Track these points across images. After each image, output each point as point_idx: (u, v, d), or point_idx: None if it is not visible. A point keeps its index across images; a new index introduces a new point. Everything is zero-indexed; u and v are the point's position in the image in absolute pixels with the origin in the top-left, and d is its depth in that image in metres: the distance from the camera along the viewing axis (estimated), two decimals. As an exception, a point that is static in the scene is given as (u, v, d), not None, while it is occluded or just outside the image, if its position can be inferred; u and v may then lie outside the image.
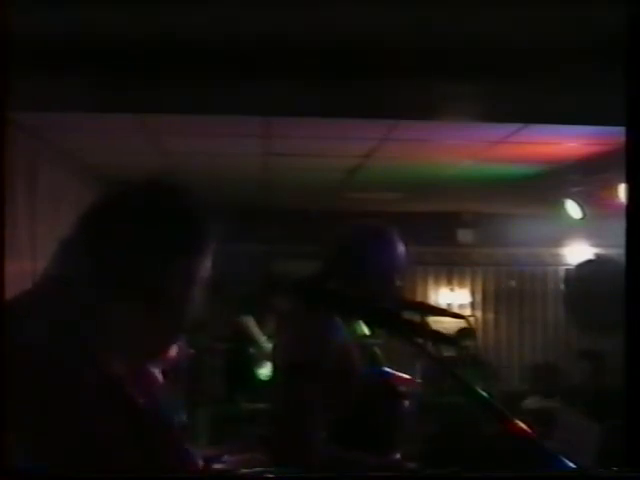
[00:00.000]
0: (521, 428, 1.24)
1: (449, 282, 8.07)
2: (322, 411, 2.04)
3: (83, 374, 1.16)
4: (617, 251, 6.37)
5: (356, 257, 2.25)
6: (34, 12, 2.00)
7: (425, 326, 2.02)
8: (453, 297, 8.01)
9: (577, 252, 7.90)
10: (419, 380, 2.55)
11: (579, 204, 5.38)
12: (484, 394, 1.31)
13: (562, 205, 5.51)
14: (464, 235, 7.87)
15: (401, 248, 2.31)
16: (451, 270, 8.05)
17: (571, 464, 1.22)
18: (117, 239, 1.28)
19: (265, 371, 5.90)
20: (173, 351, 1.48)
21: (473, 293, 8.08)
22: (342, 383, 2.10)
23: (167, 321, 1.33)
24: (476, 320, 7.81)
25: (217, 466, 2.07)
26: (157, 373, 1.39)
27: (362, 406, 2.17)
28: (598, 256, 7.72)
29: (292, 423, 2.05)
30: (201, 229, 1.35)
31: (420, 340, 1.47)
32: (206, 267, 1.36)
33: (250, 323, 6.44)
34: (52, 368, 1.15)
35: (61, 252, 1.31)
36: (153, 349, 1.34)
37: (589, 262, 7.84)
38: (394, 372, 2.36)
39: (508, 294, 8.03)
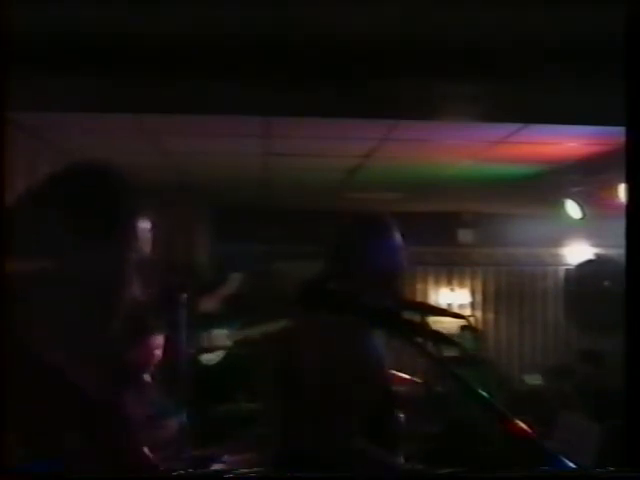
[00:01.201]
0: (521, 428, 1.24)
1: (449, 282, 8.07)
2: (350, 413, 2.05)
3: (25, 363, 1.15)
4: (617, 251, 6.37)
5: (354, 254, 2.25)
6: (34, 12, 2.00)
7: (425, 326, 2.01)
8: (453, 297, 8.01)
9: (577, 252, 7.90)
10: (419, 380, 2.55)
11: (579, 204, 5.37)
12: (484, 394, 1.31)
13: (562, 205, 5.50)
14: (464, 235, 7.87)
15: (399, 239, 2.31)
16: (451, 270, 8.05)
17: (571, 464, 1.22)
18: (47, 223, 1.26)
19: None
20: (158, 351, 1.45)
21: (473, 293, 8.08)
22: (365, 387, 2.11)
23: (104, 307, 1.29)
24: (476, 320, 7.81)
25: (217, 466, 2.07)
26: (145, 375, 1.37)
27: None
28: (598, 256, 7.72)
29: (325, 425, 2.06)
30: (124, 211, 1.33)
31: (420, 340, 1.47)
32: (139, 251, 1.32)
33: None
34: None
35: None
36: (93, 336, 1.29)
37: (589, 262, 7.84)
38: (395, 372, 2.37)
39: (508, 294, 8.03)
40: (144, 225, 1.34)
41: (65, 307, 1.24)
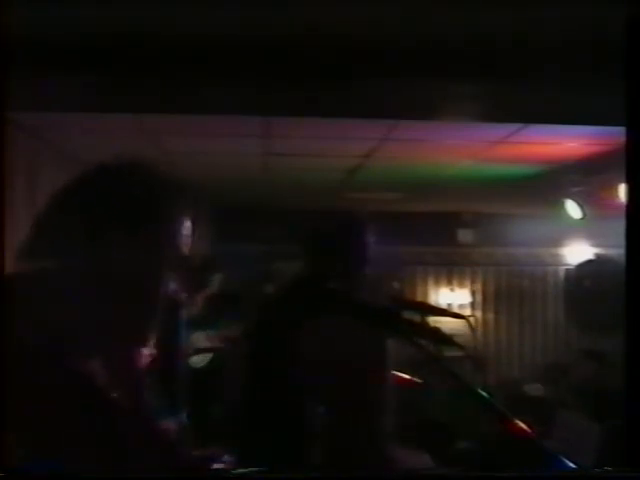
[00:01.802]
0: (521, 428, 1.24)
1: (449, 282, 8.06)
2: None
3: (51, 367, 1.14)
4: (617, 251, 6.37)
5: (352, 254, 2.26)
6: (34, 12, 2.00)
7: (425, 326, 2.02)
8: (453, 297, 8.01)
9: (577, 252, 7.90)
10: (419, 380, 2.55)
11: (579, 204, 5.37)
12: (484, 394, 1.31)
13: (562, 205, 5.50)
14: (464, 235, 7.87)
15: (369, 232, 2.32)
16: (451, 270, 8.05)
17: (571, 464, 1.22)
18: (80, 219, 1.24)
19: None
20: (150, 351, 1.44)
21: (473, 293, 8.08)
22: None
23: (137, 307, 1.27)
24: (476, 320, 7.80)
25: (217, 466, 2.07)
26: (141, 374, 1.36)
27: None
28: (598, 256, 7.72)
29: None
30: (163, 211, 1.31)
31: (420, 340, 1.47)
32: (177, 249, 1.31)
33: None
34: (27, 362, 1.14)
35: (35, 236, 1.28)
36: (126, 337, 1.28)
37: (589, 262, 7.84)
38: (395, 372, 2.36)
39: (508, 294, 8.03)
40: (182, 226, 1.33)
41: (91, 307, 1.22)
